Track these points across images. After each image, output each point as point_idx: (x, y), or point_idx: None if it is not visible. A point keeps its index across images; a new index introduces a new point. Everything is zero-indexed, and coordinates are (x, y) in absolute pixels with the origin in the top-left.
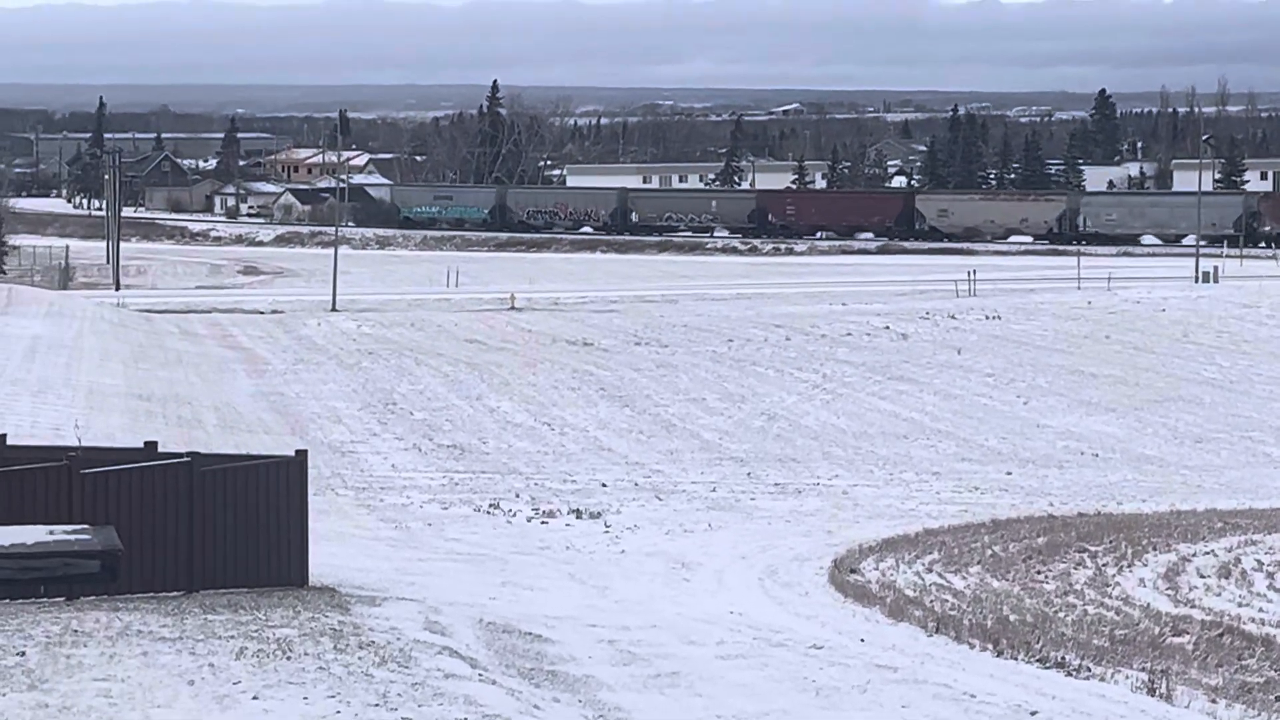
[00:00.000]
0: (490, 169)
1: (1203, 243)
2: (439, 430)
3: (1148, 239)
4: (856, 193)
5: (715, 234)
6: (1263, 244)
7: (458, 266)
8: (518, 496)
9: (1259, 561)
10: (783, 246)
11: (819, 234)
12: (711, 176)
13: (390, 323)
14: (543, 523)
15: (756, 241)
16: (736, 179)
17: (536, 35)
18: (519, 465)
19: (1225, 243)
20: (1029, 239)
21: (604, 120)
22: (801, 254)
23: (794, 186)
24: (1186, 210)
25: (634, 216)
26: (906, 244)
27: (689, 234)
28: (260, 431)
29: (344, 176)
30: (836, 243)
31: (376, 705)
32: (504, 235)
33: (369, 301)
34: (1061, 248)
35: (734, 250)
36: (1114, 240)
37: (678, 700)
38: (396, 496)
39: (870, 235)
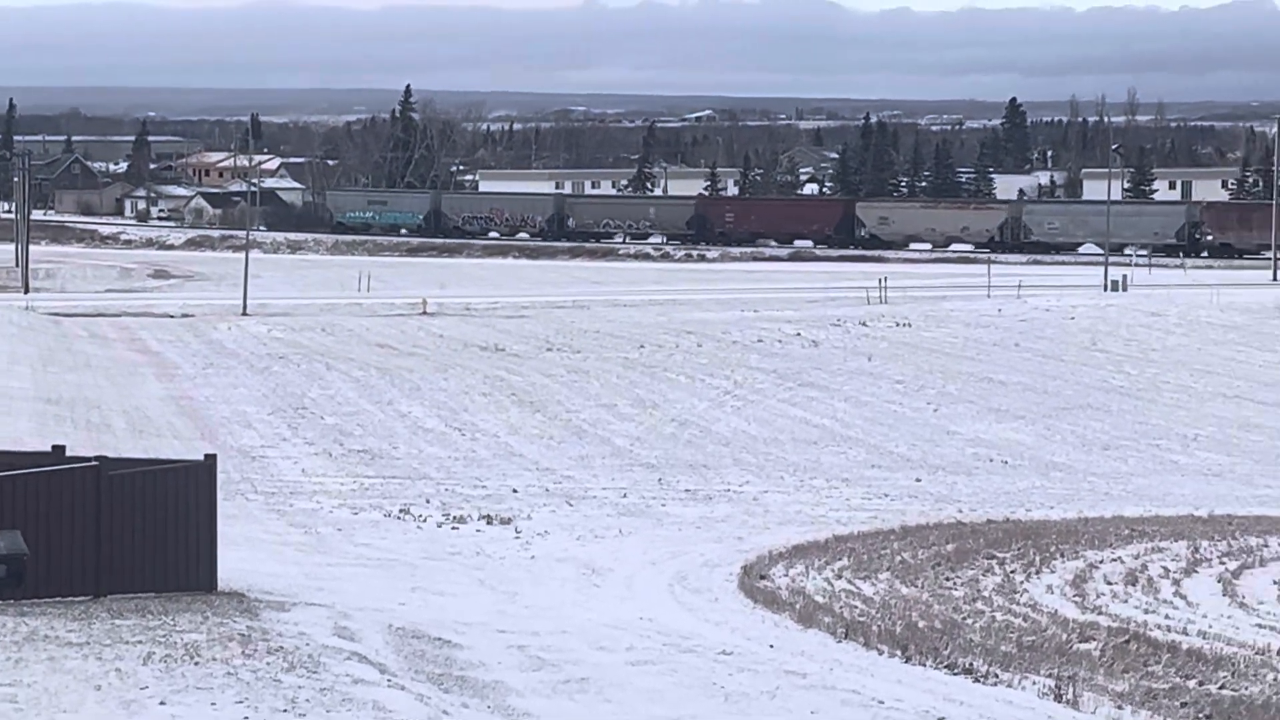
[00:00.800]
0: (403, 174)
1: (1143, 251)
2: (349, 435)
3: (1089, 247)
4: (796, 200)
5: (652, 240)
6: (1205, 253)
7: (369, 271)
8: (428, 502)
9: (1165, 568)
10: (693, 253)
11: (758, 241)
12: (624, 183)
13: (301, 327)
14: (453, 528)
15: (693, 249)
16: (649, 185)
17: (450, 40)
18: (429, 470)
19: (1153, 254)
20: (970, 247)
21: (517, 126)
22: (714, 260)
23: (725, 193)
24: (1130, 219)
25: (570, 222)
26: (818, 251)
27: (626, 240)
28: (169, 436)
29: (255, 180)
30: (749, 249)
31: (285, 711)
32: (438, 241)
33: (280, 306)
34: (973, 255)
35: (646, 256)
36: (1056, 248)
37: (587, 706)
38: (306, 501)
39: (810, 243)
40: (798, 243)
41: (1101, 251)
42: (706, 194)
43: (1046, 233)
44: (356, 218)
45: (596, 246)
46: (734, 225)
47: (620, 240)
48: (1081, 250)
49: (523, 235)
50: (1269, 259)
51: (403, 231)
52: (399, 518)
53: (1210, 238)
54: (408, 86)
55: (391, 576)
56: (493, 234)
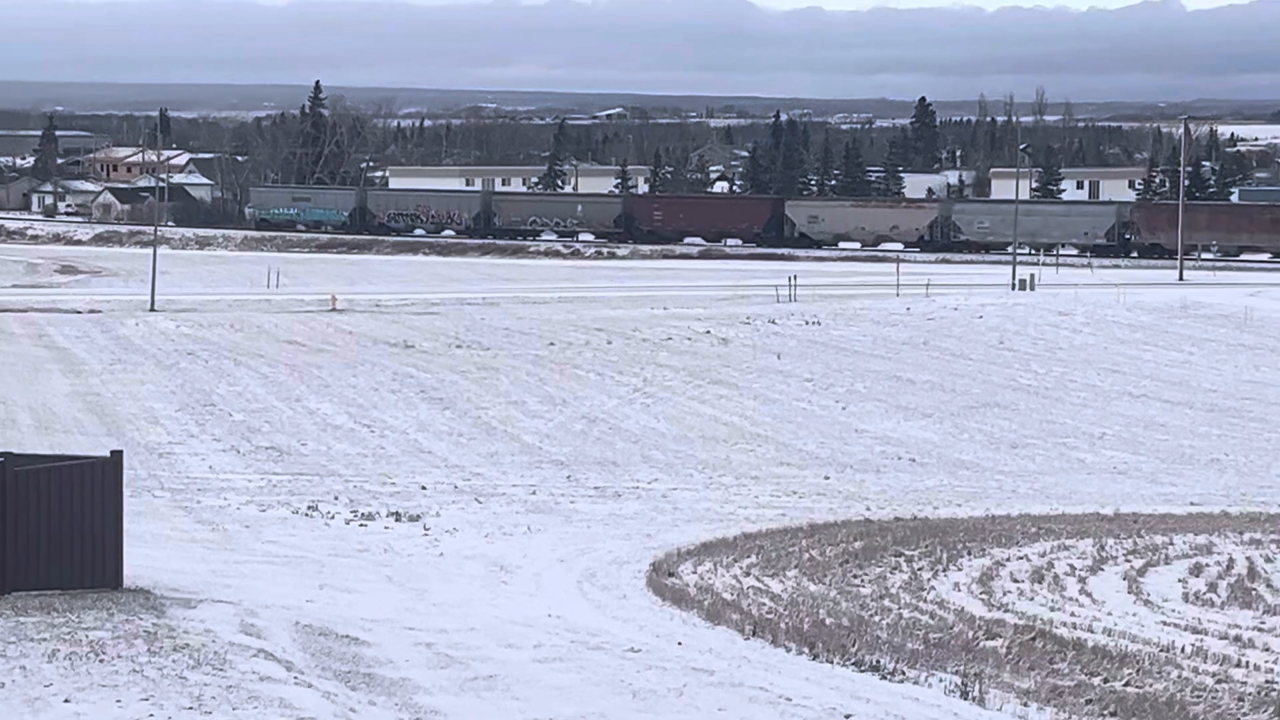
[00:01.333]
0: (313, 170)
1: (1074, 252)
2: (258, 432)
3: (1019, 247)
4: (725, 198)
5: (580, 238)
6: (1135, 254)
7: (278, 267)
8: (336, 499)
9: (1071, 566)
10: (604, 250)
11: (686, 239)
12: (535, 180)
13: (209, 323)
14: (361, 525)
15: (621, 247)
16: (560, 183)
17: (360, 36)
18: (338, 467)
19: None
20: (900, 246)
21: (428, 122)
22: (625, 258)
23: (635, 188)
24: (1059, 219)
25: (497, 220)
26: (727, 249)
27: (554, 238)
28: (76, 432)
29: (164, 176)
30: (659, 247)
31: (190, 709)
32: (348, 237)
33: (188, 302)
34: (881, 254)
35: (558, 254)
36: (986, 248)
37: (495, 703)
38: (214, 498)
39: (739, 241)
40: (728, 242)
41: (1033, 251)
42: (635, 192)
43: (976, 232)
44: (280, 214)
45: (508, 244)
46: (662, 223)
47: (549, 238)
48: (1011, 250)
49: (448, 232)
50: (1198, 259)
51: (327, 228)
52: (307, 515)
53: (1141, 238)
54: (317, 83)
55: (299, 574)
56: (418, 230)
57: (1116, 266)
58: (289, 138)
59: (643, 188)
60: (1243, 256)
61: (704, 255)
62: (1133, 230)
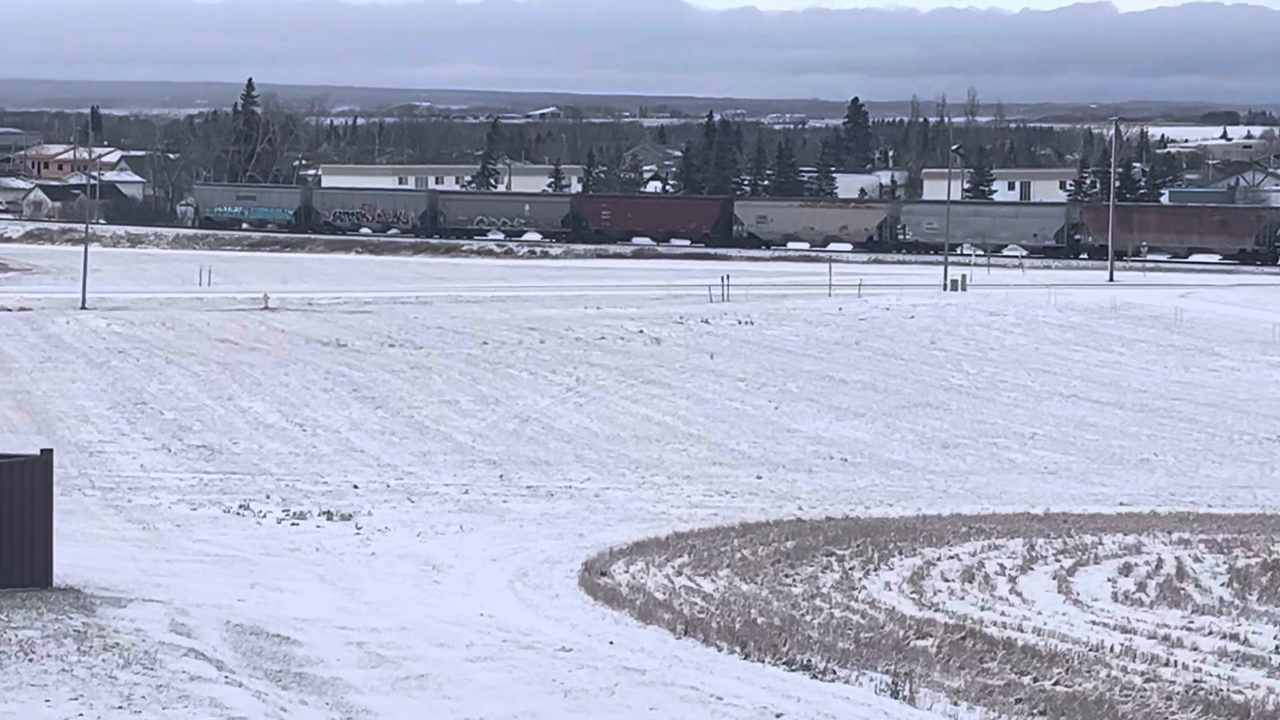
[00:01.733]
0: (245, 168)
1: (1023, 253)
2: (189, 430)
3: (968, 249)
4: (673, 198)
5: (527, 238)
6: (1084, 255)
7: (211, 266)
8: (268, 498)
9: (1001, 565)
10: (538, 250)
11: (634, 239)
12: (469, 179)
13: (141, 321)
14: (293, 524)
15: (555, 246)
16: (494, 182)
17: (294, 34)
18: (270, 466)
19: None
20: (849, 246)
21: (360, 120)
22: (558, 258)
23: (568, 186)
24: (1008, 220)
25: (444, 219)
26: (661, 249)
27: (501, 237)
28: (5, 431)
29: (95, 173)
30: (592, 247)
31: (120, 708)
32: (297, 236)
33: (120, 300)
34: (815, 254)
35: (490, 253)
36: (934, 248)
37: (426, 702)
38: (145, 497)
39: (687, 242)
40: (674, 241)
41: (982, 253)
42: (584, 191)
43: (925, 233)
44: (224, 213)
45: (441, 243)
46: (610, 223)
47: (496, 236)
48: (961, 251)
49: (393, 231)
50: (1149, 261)
51: (270, 227)
52: (239, 514)
53: (1090, 239)
54: (250, 80)
55: (230, 573)
56: (363, 230)
57: (1048, 267)
58: (221, 135)
59: (576, 187)
60: (1193, 259)
61: (638, 255)
62: (1082, 231)
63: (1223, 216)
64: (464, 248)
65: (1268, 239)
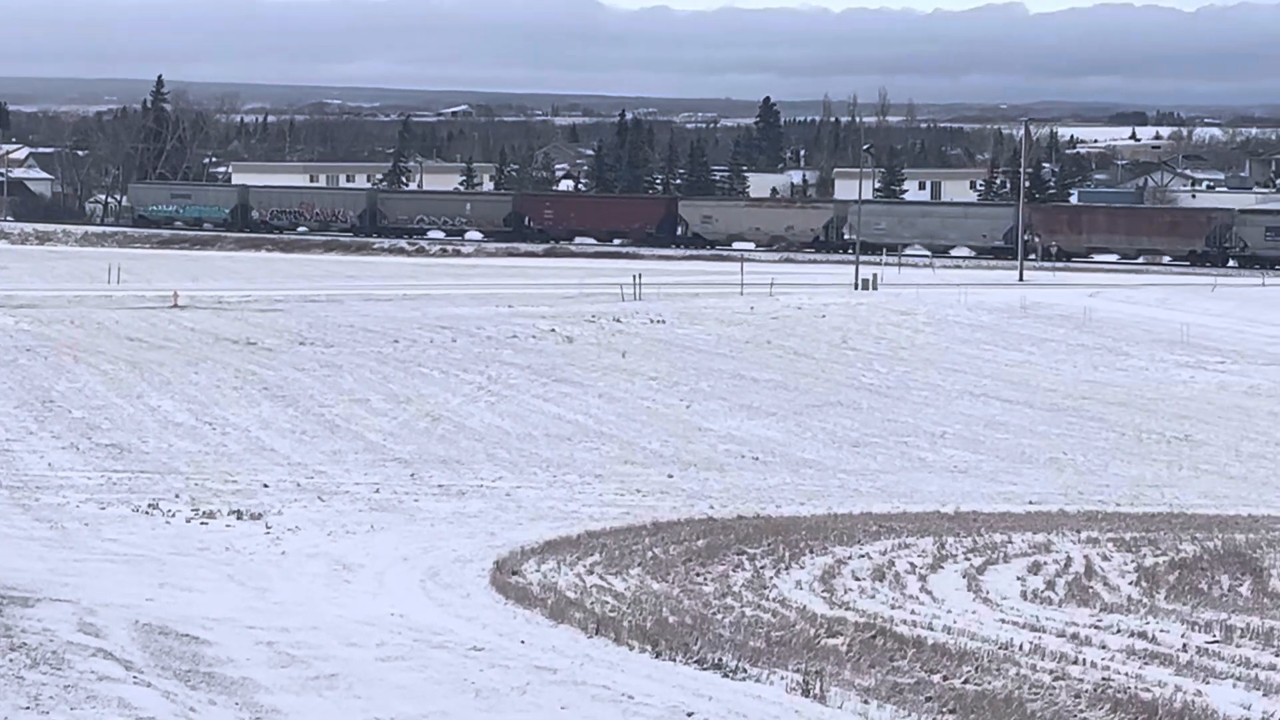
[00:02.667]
0: (154, 165)
1: (971, 253)
2: (98, 429)
3: (915, 249)
4: (617, 198)
5: (469, 237)
6: (1032, 256)
7: (120, 263)
8: (177, 497)
9: (912, 564)
10: (448, 248)
11: (576, 238)
12: (379, 176)
13: (49, 319)
14: (202, 523)
15: (465, 244)
16: (404, 179)
17: (205, 31)
18: (179, 465)
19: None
20: (796, 246)
21: (271, 118)
22: (470, 256)
23: (470, 182)
24: (956, 221)
25: (384, 219)
26: (571, 246)
27: (442, 236)
28: None
29: (3, 170)
30: (503, 245)
31: (27, 709)
32: (206, 233)
33: (27, 297)
34: (725, 254)
35: (402, 251)
36: (881, 249)
37: (337, 702)
38: (52, 496)
39: (630, 241)
40: (616, 241)
41: (927, 253)
42: (527, 190)
43: (873, 233)
44: (159, 211)
45: (351, 241)
46: (553, 223)
47: (436, 235)
48: (908, 251)
49: (333, 230)
50: (1101, 263)
51: (207, 226)
52: (147, 513)
53: (1040, 239)
54: (159, 77)
55: (139, 572)
56: (301, 229)
57: (978, 267)
58: (130, 132)
59: (488, 185)
60: (1141, 260)
61: (549, 254)
62: (1032, 233)
63: (1173, 218)
64: (374, 245)
65: (1217, 240)
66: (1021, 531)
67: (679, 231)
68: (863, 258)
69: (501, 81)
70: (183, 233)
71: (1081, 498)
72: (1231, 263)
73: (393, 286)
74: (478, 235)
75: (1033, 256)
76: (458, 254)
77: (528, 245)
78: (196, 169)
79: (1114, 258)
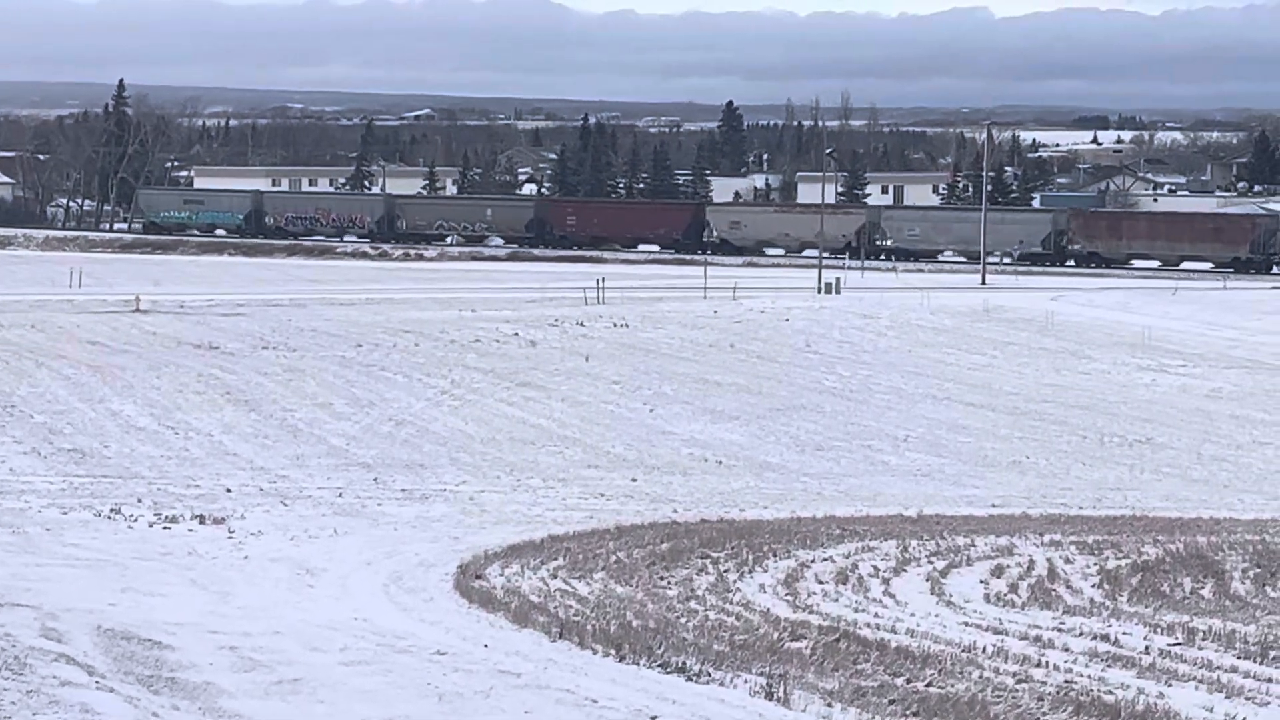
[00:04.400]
0: (115, 169)
1: (1007, 260)
2: (59, 434)
3: (949, 255)
4: (643, 203)
5: (489, 244)
6: (1071, 262)
7: (82, 267)
8: (140, 501)
9: (875, 567)
10: (411, 252)
11: (600, 245)
12: (342, 180)
13: (10, 324)
14: (165, 528)
15: (535, 250)
16: (366, 184)
17: (166, 35)
18: (141, 470)
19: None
20: (827, 253)
21: (233, 122)
22: (432, 259)
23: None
24: (993, 227)
25: (402, 224)
26: (535, 250)
27: (461, 243)
28: None
29: None
30: (468, 250)
31: None
32: (168, 238)
33: None
34: (689, 258)
35: (364, 255)
36: (915, 255)
37: (299, 707)
38: (14, 501)
39: (656, 247)
40: (641, 247)
41: (964, 259)
42: (549, 195)
43: (906, 239)
44: (171, 217)
45: (314, 244)
46: (576, 228)
47: (454, 243)
48: (942, 258)
49: (350, 236)
50: (1141, 270)
51: (219, 232)
52: (110, 517)
53: (1078, 247)
54: (121, 81)
55: (101, 577)
56: (317, 235)
57: (939, 271)
58: (92, 137)
59: (451, 189)
60: (1184, 266)
61: (512, 257)
62: (1069, 238)
63: (1216, 224)
64: (337, 249)
65: (1262, 247)
66: (984, 534)
67: (705, 237)
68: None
69: (465, 85)
70: (145, 237)
71: (1044, 501)
72: (1276, 269)
73: (355, 291)
74: (498, 241)
75: (1071, 263)
76: (421, 258)
77: (490, 250)
78: (158, 173)
79: (1154, 264)
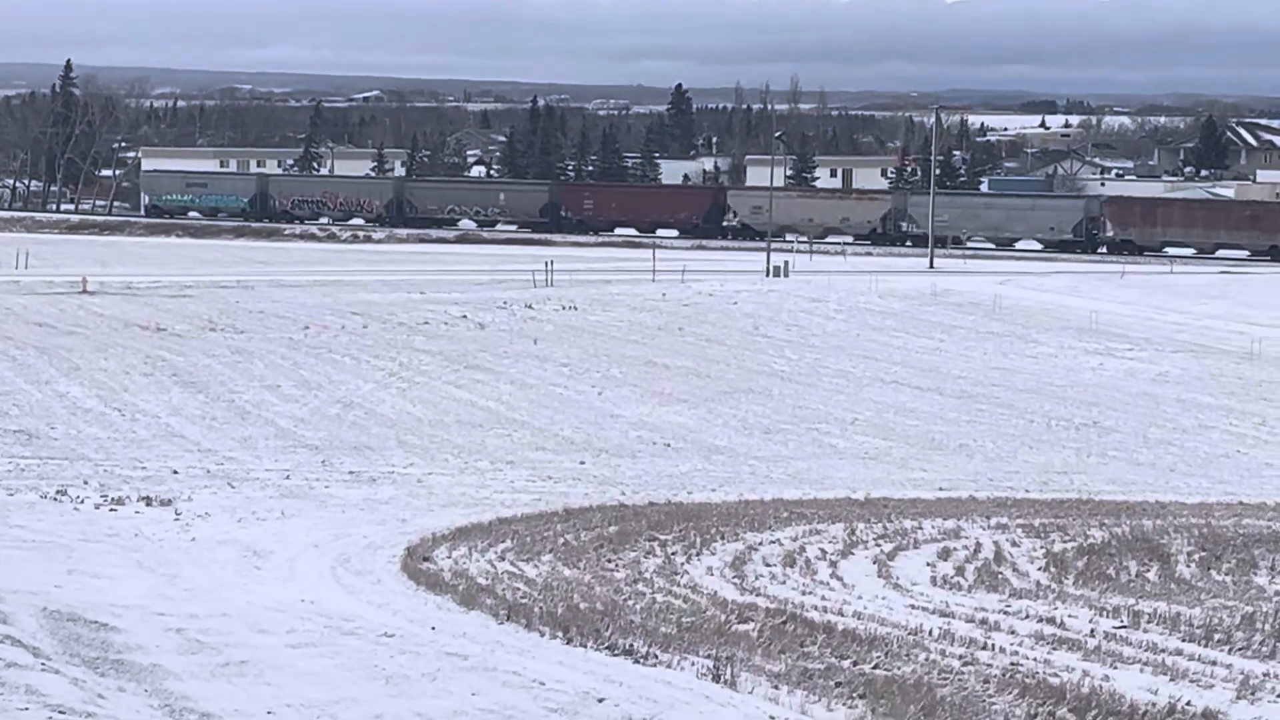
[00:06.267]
0: (63, 150)
1: (1038, 246)
2: (5, 415)
3: (977, 241)
4: (662, 187)
5: (501, 228)
6: (1104, 249)
7: (28, 248)
8: (86, 483)
9: (822, 550)
10: (360, 234)
11: (617, 229)
12: (290, 162)
13: None
14: (111, 510)
15: (377, 230)
16: (315, 165)
17: (114, 15)
18: (88, 451)
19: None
20: (849, 239)
21: (180, 103)
22: (381, 242)
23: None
24: (1023, 213)
25: (412, 208)
26: (485, 234)
27: (473, 227)
28: None
29: None
30: (415, 231)
31: None
32: (115, 219)
33: None
34: (639, 239)
35: (313, 237)
36: (943, 241)
37: (246, 689)
38: None
39: (675, 233)
40: (660, 231)
41: (993, 245)
42: (565, 179)
43: (934, 225)
44: (174, 201)
45: (261, 226)
46: (593, 213)
47: (468, 226)
48: (971, 244)
49: (356, 220)
50: (1172, 256)
51: (223, 216)
52: (56, 499)
53: (1111, 234)
54: (68, 61)
55: (47, 559)
56: (323, 219)
57: (888, 254)
58: (39, 117)
59: (399, 171)
60: (1219, 254)
61: (461, 240)
62: (1101, 225)
63: (1253, 211)
64: (286, 231)
65: None
66: (931, 518)
67: (726, 222)
68: (922, 250)
69: (414, 68)
70: (91, 218)
71: (991, 484)
72: None
73: (304, 273)
74: (512, 226)
75: (1103, 250)
76: (369, 240)
77: (439, 232)
78: (106, 154)
79: (1189, 252)
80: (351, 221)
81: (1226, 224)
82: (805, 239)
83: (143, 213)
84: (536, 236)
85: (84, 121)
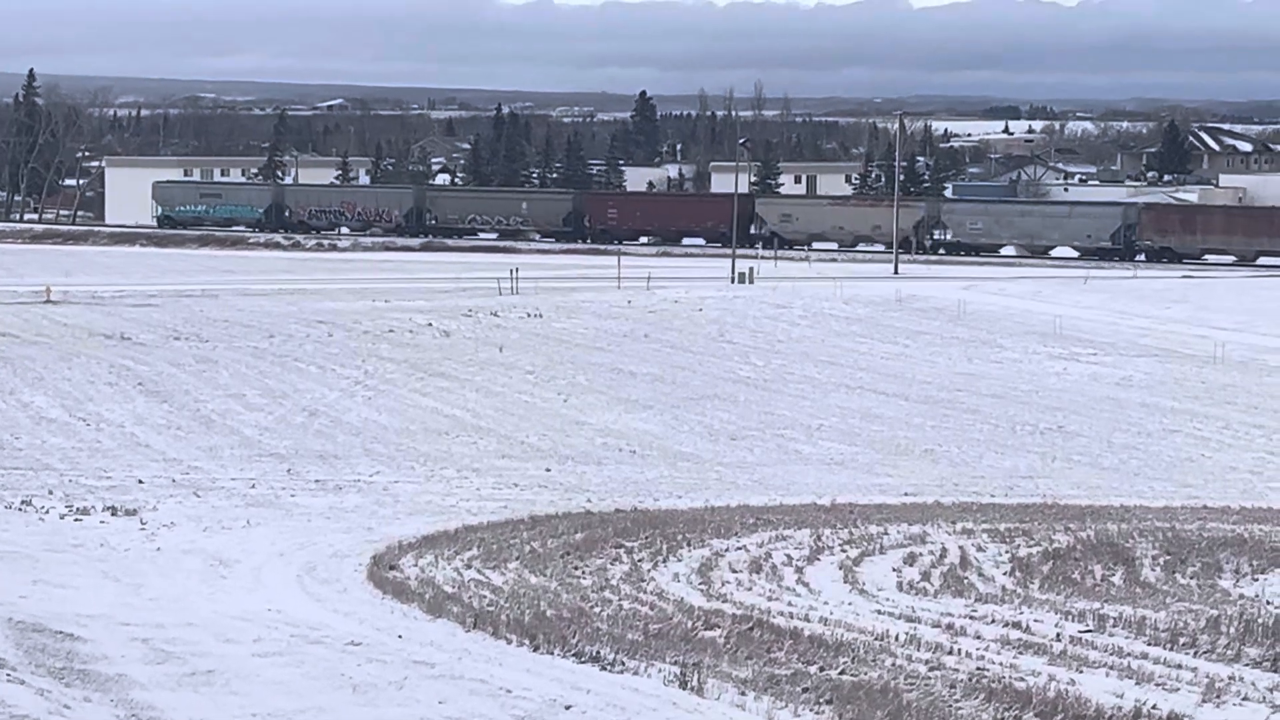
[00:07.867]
0: (26, 159)
1: (1073, 254)
2: None
3: (1011, 250)
4: (688, 196)
5: (525, 238)
6: (1142, 257)
7: None
8: (51, 493)
9: (788, 556)
10: (324, 242)
11: (642, 239)
12: (254, 170)
13: None
14: (76, 520)
15: (342, 239)
16: (280, 173)
17: (77, 24)
18: (52, 461)
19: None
20: (880, 247)
21: (144, 112)
22: (346, 250)
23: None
24: (1059, 220)
25: (432, 218)
26: (449, 241)
27: (494, 238)
28: None
29: None
30: (381, 240)
31: None
32: (79, 228)
33: None
34: (603, 247)
35: (278, 245)
36: (977, 250)
37: (212, 699)
38: None
39: (701, 241)
40: (686, 241)
41: (1027, 254)
42: (589, 189)
43: (968, 233)
44: (188, 211)
45: (226, 235)
46: (617, 222)
47: (489, 237)
48: (1004, 252)
49: (375, 230)
50: (1214, 264)
51: (238, 227)
52: (20, 509)
53: (1149, 241)
54: (31, 70)
55: (12, 569)
56: (342, 229)
57: (853, 260)
58: (2, 127)
59: (364, 179)
60: (1260, 262)
61: (425, 248)
62: (1139, 233)
63: None
64: (250, 240)
65: None
66: (897, 523)
67: (755, 231)
68: (960, 260)
69: (378, 76)
70: (56, 228)
71: (956, 489)
72: None
73: (268, 281)
74: (536, 236)
75: (1141, 258)
76: (334, 249)
77: (404, 240)
78: (70, 164)
79: (1229, 260)
80: (369, 231)
81: (1270, 231)
82: (804, 248)
83: (154, 224)
84: (503, 244)
85: (47, 131)
